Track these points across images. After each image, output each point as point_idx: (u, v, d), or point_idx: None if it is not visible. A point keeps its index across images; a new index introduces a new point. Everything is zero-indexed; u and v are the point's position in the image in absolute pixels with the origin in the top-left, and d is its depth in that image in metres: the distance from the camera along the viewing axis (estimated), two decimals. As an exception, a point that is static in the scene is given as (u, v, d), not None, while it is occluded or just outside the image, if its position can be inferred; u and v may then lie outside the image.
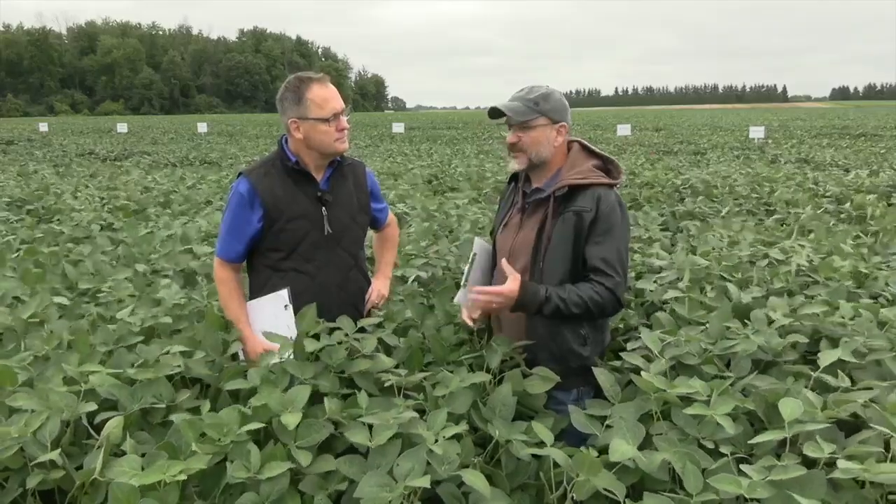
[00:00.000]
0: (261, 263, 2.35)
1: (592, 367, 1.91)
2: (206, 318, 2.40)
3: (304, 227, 2.29)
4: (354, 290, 2.43)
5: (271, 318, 2.23)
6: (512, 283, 1.99)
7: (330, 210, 2.32)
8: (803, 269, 2.96)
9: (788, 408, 1.50)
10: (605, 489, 1.42)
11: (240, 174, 2.33)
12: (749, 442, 1.55)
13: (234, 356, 2.29)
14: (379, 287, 2.53)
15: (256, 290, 2.36)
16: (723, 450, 1.54)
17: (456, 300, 2.22)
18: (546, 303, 1.99)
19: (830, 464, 1.43)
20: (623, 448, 1.48)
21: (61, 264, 3.35)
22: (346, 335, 2.06)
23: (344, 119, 2.27)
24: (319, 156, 2.31)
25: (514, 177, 2.31)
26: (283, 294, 2.24)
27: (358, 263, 2.45)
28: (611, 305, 2.04)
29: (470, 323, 2.19)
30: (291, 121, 2.24)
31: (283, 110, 2.26)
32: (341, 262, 2.37)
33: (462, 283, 2.16)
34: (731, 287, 2.55)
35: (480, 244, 2.24)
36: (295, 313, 2.17)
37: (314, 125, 2.22)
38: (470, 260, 2.19)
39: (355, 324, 2.12)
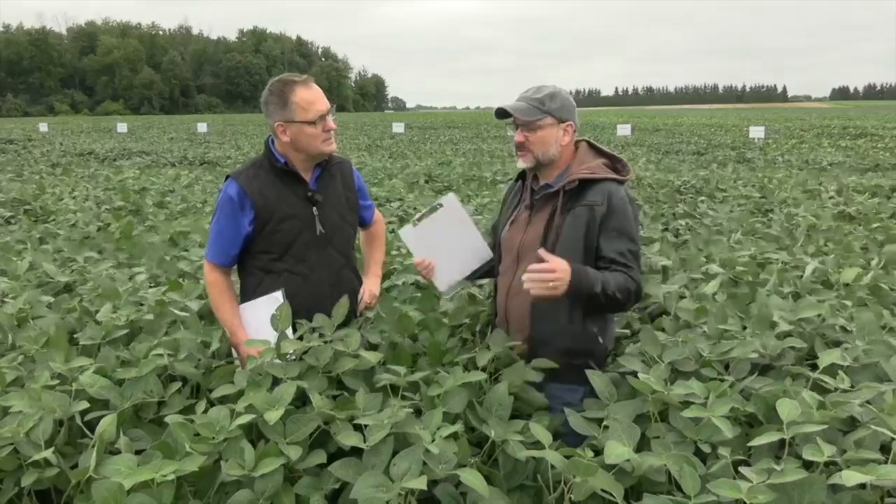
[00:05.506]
0: (253, 265, 2.33)
1: (587, 371, 1.89)
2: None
3: (297, 228, 2.27)
4: (347, 290, 2.39)
5: (265, 320, 2.21)
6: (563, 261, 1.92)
7: (321, 210, 2.31)
8: (814, 278, 2.93)
9: (786, 409, 1.49)
10: (604, 490, 1.41)
11: (227, 177, 2.31)
12: (747, 444, 1.53)
13: (228, 354, 2.27)
14: (370, 287, 2.51)
15: (249, 293, 2.33)
16: (721, 452, 1.53)
17: (401, 233, 2.28)
18: (596, 281, 1.92)
19: (828, 464, 1.41)
20: (618, 450, 1.47)
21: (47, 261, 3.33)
22: (328, 334, 2.04)
23: (330, 119, 2.25)
24: (307, 157, 2.30)
25: (521, 175, 2.30)
26: (278, 296, 2.22)
27: (349, 263, 2.44)
28: (634, 295, 2.03)
29: (418, 259, 2.23)
30: (278, 124, 2.22)
31: (269, 114, 2.24)
32: (333, 261, 2.35)
33: (413, 221, 2.22)
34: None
35: (452, 198, 2.26)
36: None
37: (301, 128, 2.21)
38: (433, 206, 2.21)
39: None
